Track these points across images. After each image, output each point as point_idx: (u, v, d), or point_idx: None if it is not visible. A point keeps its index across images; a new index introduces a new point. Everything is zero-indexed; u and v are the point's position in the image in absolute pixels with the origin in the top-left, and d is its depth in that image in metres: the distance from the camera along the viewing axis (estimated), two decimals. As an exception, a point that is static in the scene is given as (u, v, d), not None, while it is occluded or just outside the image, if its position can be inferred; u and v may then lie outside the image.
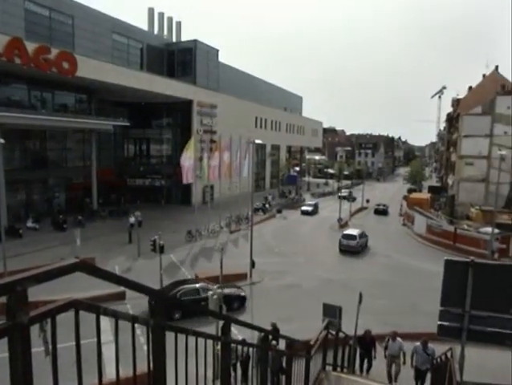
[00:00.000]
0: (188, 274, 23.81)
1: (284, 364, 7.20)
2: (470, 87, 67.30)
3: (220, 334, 3.71)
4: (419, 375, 11.12)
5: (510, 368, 9.30)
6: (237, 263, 24.65)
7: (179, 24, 60.11)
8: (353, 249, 31.18)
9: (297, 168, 74.31)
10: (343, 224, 41.46)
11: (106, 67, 35.11)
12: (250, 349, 8.59)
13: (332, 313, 12.12)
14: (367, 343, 12.04)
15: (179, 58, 53.76)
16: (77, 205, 38.20)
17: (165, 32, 58.50)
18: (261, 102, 65.13)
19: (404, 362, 11.43)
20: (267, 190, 64.43)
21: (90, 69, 32.61)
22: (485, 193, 47.58)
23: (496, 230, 29.59)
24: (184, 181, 33.35)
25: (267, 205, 48.87)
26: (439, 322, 7.08)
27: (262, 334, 5.81)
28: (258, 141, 29.68)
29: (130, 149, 52.41)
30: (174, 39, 58.47)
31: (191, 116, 46.44)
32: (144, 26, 54.90)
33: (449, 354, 8.89)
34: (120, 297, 18.43)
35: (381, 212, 51.70)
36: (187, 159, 32.62)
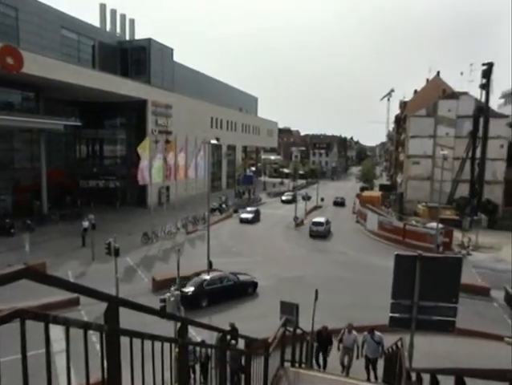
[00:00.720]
0: (145, 277, 23.30)
1: (243, 363, 7.24)
2: (416, 91, 70.94)
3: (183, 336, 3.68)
4: (369, 364, 11.45)
5: (453, 352, 9.98)
6: (194, 264, 24.38)
7: (132, 22, 58.59)
8: (321, 233, 36.94)
9: (253, 168, 74.72)
10: (298, 223, 42.22)
11: (55, 64, 33.46)
12: (210, 350, 8.60)
13: (289, 310, 12.31)
14: (324, 339, 12.25)
15: (133, 56, 52.39)
16: (25, 208, 36.13)
17: (118, 30, 56.79)
18: (216, 102, 64.92)
19: (358, 357, 11.72)
20: (224, 190, 64.33)
21: (37, 66, 30.92)
22: (430, 191, 50.34)
23: (440, 225, 31.42)
24: (140, 182, 32.73)
25: (224, 205, 48.78)
26: (390, 314, 7.43)
27: (220, 334, 5.81)
28: (213, 141, 29.54)
29: (82, 150, 50.44)
30: (127, 37, 56.92)
31: (145, 116, 45.42)
32: (96, 23, 53.00)
33: (399, 344, 9.34)
34: (74, 303, 17.70)
35: (339, 203, 60.01)
36: (142, 159, 31.95)
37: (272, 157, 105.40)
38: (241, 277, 21.52)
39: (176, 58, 58.11)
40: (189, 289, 19.34)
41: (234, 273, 21.45)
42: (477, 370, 3.24)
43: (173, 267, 18.62)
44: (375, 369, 11.39)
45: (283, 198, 60.13)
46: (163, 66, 53.70)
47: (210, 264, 23.79)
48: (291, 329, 10.91)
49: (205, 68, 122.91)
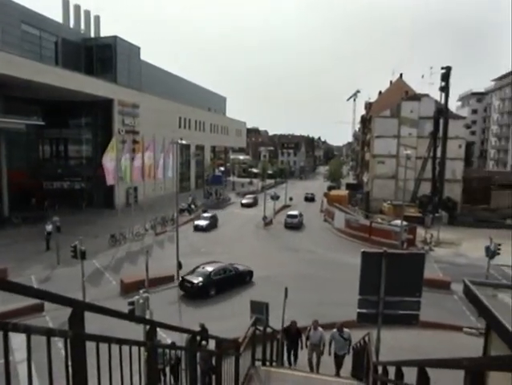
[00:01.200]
0: (113, 280, 22.82)
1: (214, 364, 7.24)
2: (380, 92, 72.95)
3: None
4: (338, 361, 11.55)
5: (417, 344, 10.40)
6: (163, 265, 24.14)
7: (97, 18, 56.97)
8: (295, 225, 41.50)
9: (222, 168, 74.48)
10: (267, 223, 42.48)
11: (14, 61, 32.07)
12: (180, 352, 8.52)
13: (259, 309, 12.38)
14: (293, 334, 12.26)
15: (98, 54, 50.97)
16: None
17: (82, 26, 55.06)
18: (185, 102, 64.31)
19: (322, 353, 11.77)
20: (193, 190, 63.82)
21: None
22: (395, 189, 51.84)
23: (404, 222, 32.46)
24: (108, 183, 31.95)
25: (193, 206, 48.39)
26: (358, 310, 7.62)
27: (190, 335, 5.79)
28: (181, 141, 29.26)
29: (46, 150, 48.70)
30: (92, 34, 55.29)
31: (112, 116, 44.38)
32: (59, 19, 51.14)
33: (366, 339, 9.59)
34: (38, 309, 17.04)
35: (310, 199, 65.70)
36: (109, 160, 31.22)
37: (241, 157, 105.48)
38: (240, 268, 23.59)
39: (145, 57, 57.26)
40: (198, 279, 20.85)
41: (232, 264, 23.46)
42: (436, 361, 3.39)
43: (142, 269, 18.41)
44: (342, 364, 11.55)
45: (243, 201, 55.84)
46: (130, 64, 52.62)
47: (180, 265, 23.55)
48: (262, 328, 10.96)
49: (174, 68, 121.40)
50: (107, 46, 50.69)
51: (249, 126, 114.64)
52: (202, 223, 38.50)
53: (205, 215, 40.69)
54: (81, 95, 40.01)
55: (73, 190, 44.83)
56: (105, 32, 56.81)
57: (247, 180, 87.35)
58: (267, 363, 10.65)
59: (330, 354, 11.60)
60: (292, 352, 12.50)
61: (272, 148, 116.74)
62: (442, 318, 18.21)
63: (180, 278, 21.59)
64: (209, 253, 30.23)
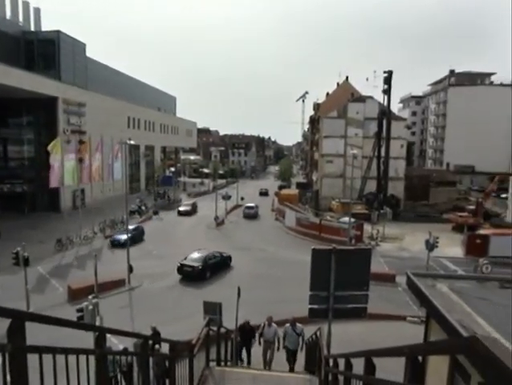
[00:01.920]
0: (60, 286, 21.80)
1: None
2: (328, 93, 75.10)
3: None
4: (290, 356, 11.63)
5: (365, 336, 10.89)
6: (113, 269, 23.40)
7: (38, 11, 53.76)
8: (252, 215, 47.74)
9: (172, 169, 73.27)
10: (219, 223, 42.36)
11: None
12: (131, 357, 8.30)
13: (213, 310, 12.36)
14: (246, 333, 12.27)
15: (39, 49, 48.23)
16: None
17: (21, 19, 51.72)
18: (134, 101, 62.57)
19: (278, 349, 11.80)
20: (142, 192, 62.25)
21: None
22: (342, 187, 53.59)
23: (352, 219, 33.71)
24: (52, 185, 30.32)
25: (143, 207, 47.20)
26: (309, 306, 7.84)
27: (141, 340, 5.66)
28: (130, 142, 28.43)
29: (-18, 151, 45.18)
30: (32, 28, 52.11)
31: (56, 115, 42.10)
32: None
33: (318, 334, 9.88)
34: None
35: (264, 193, 71.22)
36: (54, 161, 29.65)
37: (191, 157, 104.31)
38: (223, 254, 27.11)
39: (91, 54, 54.97)
40: (198, 263, 24.16)
41: (218, 252, 26.91)
42: (381, 350, 3.59)
43: (91, 274, 17.80)
44: (295, 360, 11.66)
45: (180, 209, 48.58)
46: (74, 61, 50.28)
47: (131, 268, 22.93)
48: (215, 328, 10.94)
49: (123, 67, 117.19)
50: (49, 41, 48.10)
51: (199, 126, 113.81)
52: (119, 238, 30.72)
53: (130, 227, 30.94)
54: (20, 92, 37.59)
55: (14, 193, 41.98)
56: (47, 27, 53.79)
57: (198, 180, 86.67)
58: (222, 363, 10.65)
59: (282, 348, 11.68)
60: (245, 350, 12.50)
61: (223, 148, 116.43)
62: (388, 309, 19.20)
63: (179, 264, 24.27)
64: (161, 255, 29.69)
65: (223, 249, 32.51)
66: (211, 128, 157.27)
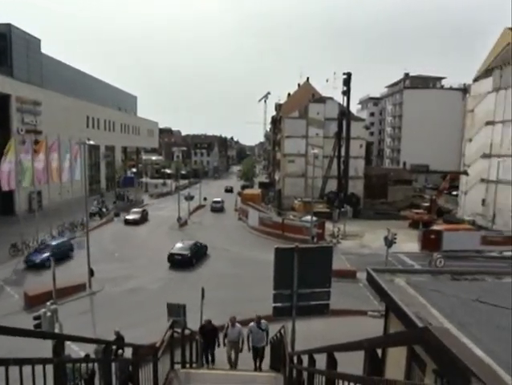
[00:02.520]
0: (15, 293, 20.74)
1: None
2: (289, 94, 76.02)
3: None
4: (257, 354, 11.53)
5: (328, 331, 11.15)
6: (73, 273, 22.59)
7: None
8: (219, 208, 53.37)
9: (134, 170, 71.71)
10: (182, 224, 41.89)
11: None
12: (93, 364, 8.08)
13: (177, 312, 12.24)
14: (209, 333, 11.98)
15: (-12, 43, 45.54)
16: None
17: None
18: (93, 100, 60.58)
19: (241, 350, 11.64)
20: (103, 193, 60.38)
21: None
22: (304, 186, 54.46)
23: (314, 218, 34.37)
24: (5, 188, 28.71)
25: (104, 209, 45.83)
26: (273, 305, 7.94)
27: (102, 346, 5.54)
28: (89, 142, 27.53)
29: None
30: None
31: (9, 114, 39.94)
32: None
33: (282, 331, 10.02)
34: None
35: (229, 190, 75.25)
36: (7, 162, 28.09)
37: (153, 158, 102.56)
38: (199, 243, 29.93)
39: (47, 51, 52.65)
40: (187, 252, 27.71)
41: (194, 242, 29.78)
42: (342, 345, 3.73)
43: (49, 280, 17.10)
44: (262, 357, 11.60)
45: (128, 218, 42.24)
46: (29, 57, 47.89)
47: (92, 272, 22.23)
48: (180, 330, 10.83)
49: (84, 66, 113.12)
50: (0, 35, 45.51)
51: (161, 126, 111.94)
52: (36, 260, 25.52)
53: (52, 243, 27.94)
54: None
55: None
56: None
57: (160, 181, 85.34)
58: (187, 365, 10.57)
59: (249, 349, 11.52)
60: (209, 351, 12.22)
61: (185, 149, 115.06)
62: (350, 304, 19.73)
63: (169, 253, 27.41)
64: (123, 258, 29.00)
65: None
66: (173, 128, 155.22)
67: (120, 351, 8.36)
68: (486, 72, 44.76)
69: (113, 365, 6.47)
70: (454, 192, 53.96)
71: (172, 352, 9.15)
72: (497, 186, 40.18)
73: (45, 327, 10.74)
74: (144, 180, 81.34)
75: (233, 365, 11.72)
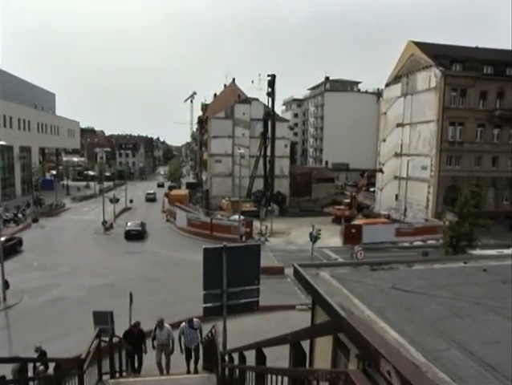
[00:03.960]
0: None
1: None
2: (215, 94, 76.00)
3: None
4: (190, 355, 11.08)
5: (259, 328, 11.43)
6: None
7: None
8: (152, 198, 63.85)
9: (53, 172, 67.08)
10: (108, 227, 40.02)
11: None
12: None
13: (104, 319, 11.68)
14: (135, 337, 11.04)
15: None
16: None
17: None
18: (5, 97, 55.24)
19: (172, 351, 11.18)
20: (19, 198, 55.36)
21: None
22: (232, 186, 54.86)
23: (242, 217, 34.82)
24: None
25: (20, 215, 42.10)
26: (204, 305, 7.95)
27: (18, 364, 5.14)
28: (0, 142, 25.16)
29: None
30: None
31: None
32: None
33: (213, 331, 10.07)
34: None
35: (161, 185, 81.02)
36: None
37: (75, 159, 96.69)
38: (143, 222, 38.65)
39: None
40: (139, 228, 37.18)
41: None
42: (270, 340, 3.91)
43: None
44: (198, 358, 11.23)
45: None
46: None
47: (6, 284, 20.39)
48: (107, 338, 10.37)
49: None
50: None
51: (83, 126, 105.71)
52: None
53: None
54: None
55: None
56: None
57: (83, 183, 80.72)
58: (117, 375, 10.16)
59: (182, 351, 11.04)
60: (136, 357, 11.27)
61: (109, 149, 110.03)
62: (279, 300, 20.34)
63: (126, 230, 36.68)
64: (43, 266, 26.96)
65: (113, 254, 31.27)
66: (96, 128, 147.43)
67: (42, 368, 7.77)
68: (395, 79, 48.76)
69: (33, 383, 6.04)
70: (372, 189, 58.00)
71: (99, 362, 8.77)
72: (407, 182, 43.96)
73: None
74: (65, 182, 76.49)
75: (163, 370, 11.18)
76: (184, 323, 11.27)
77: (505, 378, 3.13)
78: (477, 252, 23.84)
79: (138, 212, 53.47)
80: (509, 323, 4.26)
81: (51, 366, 7.67)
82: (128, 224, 37.85)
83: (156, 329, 11.24)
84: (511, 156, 43.45)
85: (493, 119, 42.49)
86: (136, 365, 11.32)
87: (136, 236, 36.15)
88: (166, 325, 11.31)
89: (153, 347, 11.35)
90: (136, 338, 11.02)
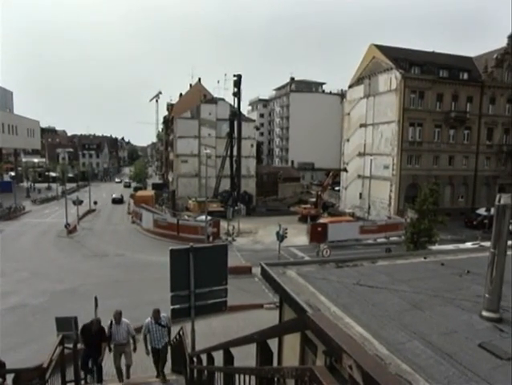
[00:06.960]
0: None
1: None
2: (181, 94, 75.09)
3: None
4: (159, 356, 9.53)
5: (227, 328, 11.39)
6: None
7: None
8: (118, 200, 62.72)
9: (12, 173, 64.24)
10: (71, 230, 38.71)
11: None
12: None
13: (67, 325, 11.28)
14: (93, 335, 9.06)
15: None
16: None
17: None
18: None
19: (135, 350, 9.52)
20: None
21: None
22: (198, 186, 54.50)
23: (209, 217, 34.64)
24: None
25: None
26: (171, 307, 7.87)
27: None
28: None
29: None
30: None
31: None
32: None
33: (181, 332, 9.95)
34: None
35: (127, 186, 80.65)
36: None
37: (35, 160, 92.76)
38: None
39: None
40: (121, 196, 61.49)
41: None
42: (237, 340, 3.93)
43: None
44: (165, 360, 9.76)
45: None
46: None
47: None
48: (71, 345, 10.01)
49: None
50: None
51: (43, 125, 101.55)
52: None
53: None
54: None
55: None
56: None
57: (45, 185, 77.54)
58: (82, 382, 9.83)
59: (148, 352, 9.51)
60: (92, 360, 9.33)
61: (72, 150, 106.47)
62: (247, 299, 20.39)
63: (112, 198, 59.84)
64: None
65: (76, 258, 30.40)
66: (57, 128, 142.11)
67: (0, 380, 7.41)
68: (358, 80, 50.05)
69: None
70: (336, 188, 59.24)
71: (63, 370, 8.47)
72: (370, 181, 45.23)
73: None
74: (24, 184, 73.22)
75: (126, 372, 9.68)
76: (149, 319, 9.32)
77: (460, 365, 3.31)
78: (436, 247, 24.98)
79: (103, 213, 52.17)
80: (465, 313, 4.50)
81: (9, 377, 7.34)
82: (114, 195, 63.24)
83: (111, 324, 9.24)
84: (465, 156, 45.74)
85: (449, 121, 44.51)
86: (95, 371, 9.52)
87: (120, 201, 60.32)
88: (124, 319, 9.44)
89: (110, 350, 9.41)
90: (94, 335, 9.06)
